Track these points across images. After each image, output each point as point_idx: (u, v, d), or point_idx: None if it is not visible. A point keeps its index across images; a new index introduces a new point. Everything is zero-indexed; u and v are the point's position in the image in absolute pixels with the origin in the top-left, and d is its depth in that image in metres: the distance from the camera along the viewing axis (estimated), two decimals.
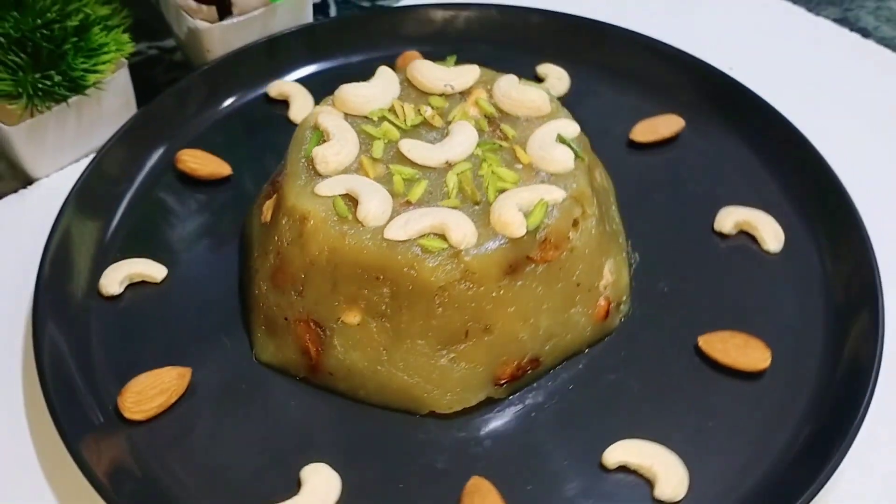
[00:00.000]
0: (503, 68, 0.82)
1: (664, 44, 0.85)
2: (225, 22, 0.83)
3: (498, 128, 0.67)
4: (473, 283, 0.59)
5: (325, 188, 0.62)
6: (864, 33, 0.95)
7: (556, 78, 0.85)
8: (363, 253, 0.59)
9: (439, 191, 0.62)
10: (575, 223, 0.63)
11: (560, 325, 0.63)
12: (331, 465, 0.59)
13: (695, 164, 0.78)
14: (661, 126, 0.79)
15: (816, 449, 0.59)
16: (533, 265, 0.61)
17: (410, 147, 0.65)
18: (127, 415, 0.61)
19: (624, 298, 0.68)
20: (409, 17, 0.88)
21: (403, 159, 0.64)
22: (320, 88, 0.77)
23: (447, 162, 0.64)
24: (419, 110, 0.68)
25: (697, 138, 0.80)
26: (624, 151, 0.79)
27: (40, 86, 0.71)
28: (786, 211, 0.73)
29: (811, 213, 0.73)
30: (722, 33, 0.94)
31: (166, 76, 0.91)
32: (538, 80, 0.85)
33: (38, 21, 0.69)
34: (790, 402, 0.62)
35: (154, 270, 0.70)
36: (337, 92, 0.69)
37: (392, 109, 0.68)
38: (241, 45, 0.83)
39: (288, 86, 0.83)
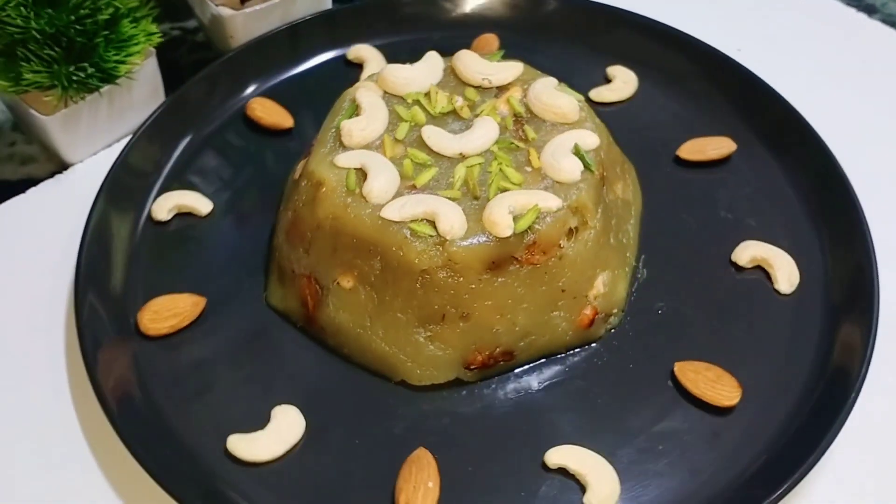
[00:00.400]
0: (576, 64, 0.85)
1: (739, 65, 0.84)
2: (248, 9, 0.86)
3: (521, 128, 0.69)
4: (454, 273, 0.63)
5: (344, 160, 0.67)
6: (871, 10, 0.96)
7: (623, 81, 0.86)
8: (360, 226, 0.64)
9: (445, 180, 0.66)
10: (570, 232, 0.65)
11: (538, 325, 0.66)
12: (300, 410, 0.65)
13: (733, 192, 0.78)
14: (709, 147, 0.79)
15: (756, 494, 0.60)
16: (517, 265, 0.64)
17: (431, 134, 0.68)
18: (142, 329, 0.69)
19: (615, 311, 0.70)
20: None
21: (422, 144, 0.68)
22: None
23: (461, 153, 0.67)
24: (451, 99, 0.71)
25: (744, 165, 0.79)
26: (668, 166, 0.80)
27: (74, 78, 0.74)
28: (811, 257, 0.72)
29: (834, 267, 0.71)
30: (729, 14, 0.96)
31: (190, 57, 0.94)
32: (607, 80, 0.87)
33: (72, 17, 0.72)
34: (746, 444, 0.63)
35: (201, 204, 0.77)
36: (381, 70, 0.73)
37: (427, 94, 0.72)
38: (264, 32, 0.86)
39: (365, 50, 0.88)
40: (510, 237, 0.63)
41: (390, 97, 0.72)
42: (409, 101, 0.71)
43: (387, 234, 0.63)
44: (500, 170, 0.66)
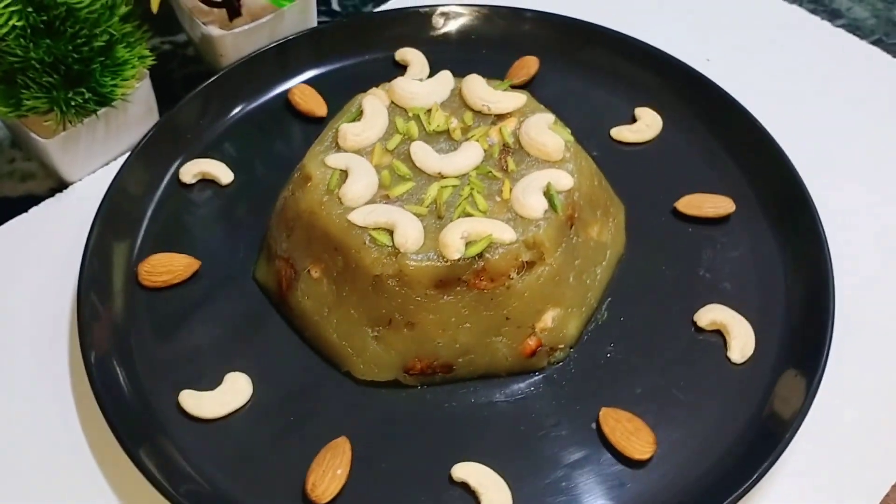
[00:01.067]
0: (608, 98, 0.88)
1: (764, 131, 0.83)
2: (237, 29, 0.88)
3: (505, 158, 0.73)
4: (403, 283, 0.68)
5: (333, 160, 0.72)
6: (837, 14, 0.99)
7: (647, 124, 0.87)
8: (329, 224, 0.69)
9: (418, 195, 0.70)
10: (523, 266, 0.68)
11: (479, 346, 0.70)
12: (251, 380, 0.71)
13: (719, 253, 0.78)
14: (708, 204, 0.80)
15: None
16: (464, 287, 0.68)
17: (418, 150, 0.73)
18: (140, 279, 0.77)
19: (561, 346, 0.72)
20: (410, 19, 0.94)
21: (408, 158, 0.73)
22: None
23: (440, 173, 0.71)
24: (448, 120, 0.75)
25: (739, 229, 0.80)
26: (664, 216, 0.81)
27: (72, 102, 0.77)
28: (773, 332, 0.73)
29: (790, 349, 0.71)
30: (697, 24, 0.99)
31: (181, 71, 0.97)
32: (634, 119, 0.88)
33: (69, 46, 0.74)
34: (647, 500, 0.65)
35: (223, 174, 0.84)
36: (393, 81, 0.78)
37: (429, 111, 0.76)
38: (252, 51, 0.89)
39: (411, 53, 0.93)
40: (459, 260, 0.67)
41: (395, 107, 0.76)
42: (411, 114, 0.76)
43: (350, 236, 0.68)
44: (471, 195, 0.70)
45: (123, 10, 0.77)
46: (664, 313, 0.75)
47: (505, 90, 0.77)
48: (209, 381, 0.71)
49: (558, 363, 0.73)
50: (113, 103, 0.81)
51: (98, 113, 0.81)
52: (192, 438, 0.69)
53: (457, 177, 0.71)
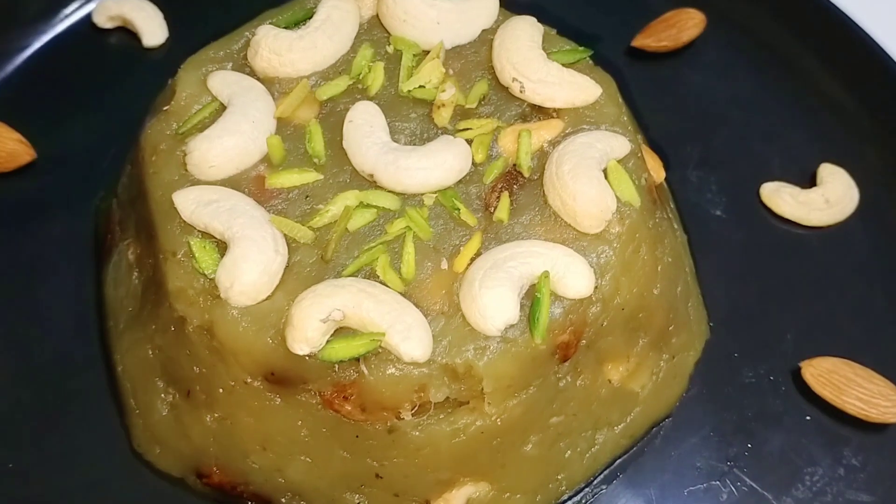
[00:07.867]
0: (785, 127, 0.52)
1: None
2: None
3: (499, 194, 0.38)
4: (212, 349, 0.37)
5: (219, 81, 0.41)
6: None
7: (827, 198, 0.50)
8: (151, 192, 0.40)
9: (313, 203, 0.38)
10: (429, 406, 0.36)
11: (320, 496, 0.40)
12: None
13: (841, 486, 0.43)
14: (860, 388, 0.44)
15: None
16: (313, 398, 0.37)
17: (357, 120, 0.40)
18: None
19: None
20: None
21: (339, 126, 0.40)
22: None
23: (373, 176, 0.38)
24: (443, 83, 0.41)
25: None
26: (776, 374, 0.46)
27: None
28: None
29: None
30: None
31: None
32: (813, 181, 0.51)
33: None
34: None
35: (152, 27, 0.55)
36: None
37: (423, 54, 0.42)
38: None
39: None
40: (308, 357, 0.35)
41: (376, 25, 0.43)
42: (391, 48, 0.42)
43: (165, 228, 0.38)
44: (402, 240, 0.37)
45: None
46: None
47: (575, 62, 0.42)
48: None
49: None
50: None
51: None
52: None
53: (398, 194, 0.38)
